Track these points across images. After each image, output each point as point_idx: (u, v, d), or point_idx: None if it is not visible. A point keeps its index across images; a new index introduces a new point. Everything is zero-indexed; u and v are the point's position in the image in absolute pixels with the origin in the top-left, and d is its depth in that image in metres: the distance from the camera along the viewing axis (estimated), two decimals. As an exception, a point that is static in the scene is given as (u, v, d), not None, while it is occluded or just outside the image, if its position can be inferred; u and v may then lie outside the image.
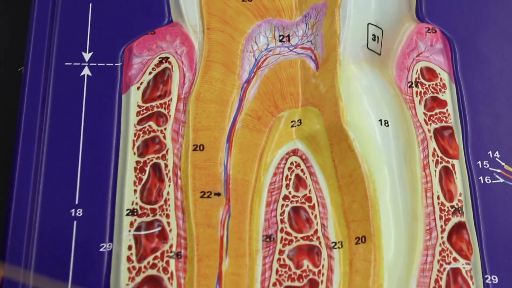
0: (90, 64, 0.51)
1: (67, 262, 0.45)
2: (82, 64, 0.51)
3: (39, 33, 0.51)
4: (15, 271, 0.44)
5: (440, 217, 0.47)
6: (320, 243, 0.46)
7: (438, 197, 0.48)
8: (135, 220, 0.46)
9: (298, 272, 0.46)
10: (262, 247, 0.46)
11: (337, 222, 0.47)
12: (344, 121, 0.47)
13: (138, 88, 0.50)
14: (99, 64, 0.51)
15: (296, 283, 0.45)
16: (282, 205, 0.48)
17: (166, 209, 0.47)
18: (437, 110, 0.51)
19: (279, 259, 0.46)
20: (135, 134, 0.49)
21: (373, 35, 0.52)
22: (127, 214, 0.46)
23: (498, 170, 0.50)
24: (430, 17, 0.54)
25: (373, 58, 0.51)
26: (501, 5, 0.55)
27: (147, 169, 0.48)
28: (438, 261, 0.46)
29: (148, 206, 0.47)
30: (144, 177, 0.47)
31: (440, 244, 0.46)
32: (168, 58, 0.51)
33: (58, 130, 0.49)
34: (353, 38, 0.51)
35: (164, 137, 0.49)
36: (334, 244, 0.46)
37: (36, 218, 0.46)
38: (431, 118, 0.50)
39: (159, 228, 0.46)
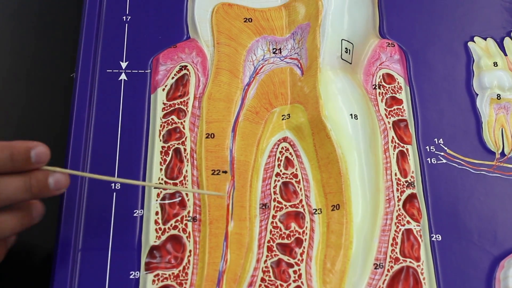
0: (126, 71, 0.51)
1: (108, 224, 0.45)
2: (120, 71, 0.51)
3: (87, 47, 0.52)
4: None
5: (397, 190, 0.48)
6: (304, 209, 0.47)
7: (396, 174, 0.48)
8: (161, 191, 0.47)
9: (287, 232, 0.46)
10: (259, 213, 0.47)
11: (317, 193, 0.47)
12: (323, 115, 0.48)
13: (163, 89, 0.50)
14: (133, 71, 0.51)
15: (286, 241, 0.46)
16: (275, 180, 0.48)
17: (185, 184, 0.47)
18: (395, 107, 0.51)
19: (272, 222, 0.46)
20: (161, 125, 0.49)
21: (346, 48, 0.52)
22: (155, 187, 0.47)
23: (442, 153, 0.50)
24: (390, 34, 0.55)
25: (346, 66, 0.51)
26: (445, 25, 0.56)
27: (170, 152, 0.48)
28: (395, 223, 0.46)
29: (171, 181, 0.47)
30: (168, 159, 0.48)
31: (396, 210, 0.47)
32: (186, 66, 0.52)
33: (102, 122, 0.49)
34: (330, 51, 0.51)
35: (184, 127, 0.49)
36: (315, 210, 0.47)
37: (84, 191, 0.46)
38: (390, 112, 0.51)
39: (179, 198, 0.47)
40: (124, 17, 0.54)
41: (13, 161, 0.38)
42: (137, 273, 0.44)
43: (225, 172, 0.48)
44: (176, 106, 0.50)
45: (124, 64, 0.52)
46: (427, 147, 0.50)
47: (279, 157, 0.49)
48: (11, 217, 0.40)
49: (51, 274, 0.43)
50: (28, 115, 0.53)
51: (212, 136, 0.49)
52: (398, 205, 0.47)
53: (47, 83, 0.54)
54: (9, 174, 0.39)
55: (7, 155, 0.38)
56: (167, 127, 0.49)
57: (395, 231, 0.46)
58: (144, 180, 0.47)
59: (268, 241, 0.46)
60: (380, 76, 0.52)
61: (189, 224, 0.46)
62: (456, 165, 0.49)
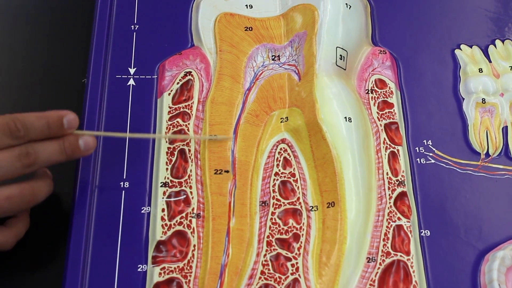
0: (134, 76, 0.51)
1: (117, 220, 0.45)
2: (128, 76, 0.51)
3: (97, 54, 0.52)
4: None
5: (388, 188, 0.48)
6: (301, 207, 0.47)
7: (387, 173, 0.48)
8: (167, 190, 0.47)
9: (285, 228, 0.46)
10: (259, 210, 0.47)
11: (314, 191, 0.47)
12: (319, 118, 0.48)
13: (169, 94, 0.50)
14: (141, 77, 0.51)
15: (284, 236, 0.46)
16: (274, 179, 0.48)
17: (189, 182, 0.47)
18: (387, 110, 0.51)
19: (271, 219, 0.46)
20: (167, 128, 0.49)
21: (340, 55, 0.51)
22: (161, 186, 0.47)
23: (430, 154, 0.50)
24: (381, 42, 0.55)
25: (341, 72, 0.51)
26: (433, 34, 0.56)
27: (176, 153, 0.48)
28: (387, 219, 0.46)
29: (176, 180, 0.47)
30: (173, 159, 0.48)
31: (388, 207, 0.47)
32: (191, 72, 0.52)
33: (111, 125, 0.49)
34: (326, 58, 0.51)
35: (188, 130, 0.49)
36: (311, 207, 0.47)
37: (95, 189, 0.46)
38: (382, 116, 0.51)
39: (184, 196, 0.47)
40: (133, 26, 0.54)
41: (49, 128, 0.42)
42: (144, 266, 0.44)
43: (227, 171, 0.48)
44: (181, 109, 0.50)
45: (132, 70, 0.52)
46: (417, 148, 0.50)
47: (277, 158, 0.49)
48: (44, 183, 0.43)
49: (64, 273, 0.43)
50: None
51: (215, 137, 0.49)
52: (390, 203, 0.47)
53: (61, 87, 0.53)
54: (46, 140, 0.43)
55: (44, 123, 0.42)
56: (172, 129, 0.49)
57: (387, 227, 0.46)
58: (151, 178, 0.47)
59: (268, 237, 0.46)
60: (372, 82, 0.52)
61: (193, 220, 0.46)
62: (444, 165, 0.49)
